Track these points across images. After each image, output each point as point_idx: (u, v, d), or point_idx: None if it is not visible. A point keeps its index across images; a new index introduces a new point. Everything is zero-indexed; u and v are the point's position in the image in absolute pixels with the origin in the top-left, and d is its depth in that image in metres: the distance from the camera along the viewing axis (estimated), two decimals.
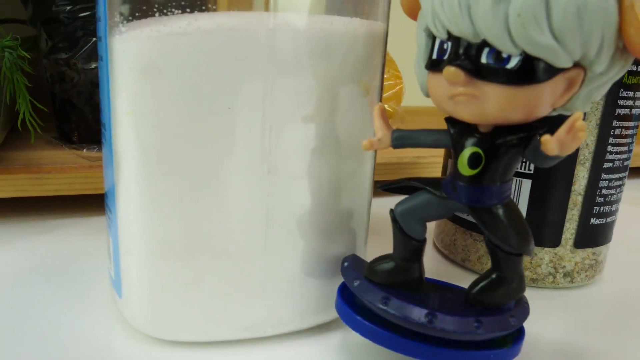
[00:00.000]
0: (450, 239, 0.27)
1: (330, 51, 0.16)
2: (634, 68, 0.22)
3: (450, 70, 0.13)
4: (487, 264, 0.25)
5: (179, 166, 0.16)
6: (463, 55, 0.13)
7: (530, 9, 0.12)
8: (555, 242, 0.24)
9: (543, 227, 0.23)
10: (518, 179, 0.23)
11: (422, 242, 0.17)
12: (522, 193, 0.23)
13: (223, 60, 0.15)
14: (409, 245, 0.17)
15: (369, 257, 0.25)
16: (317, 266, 0.18)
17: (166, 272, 0.16)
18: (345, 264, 0.18)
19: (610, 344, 0.20)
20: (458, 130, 0.15)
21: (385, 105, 0.46)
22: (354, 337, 0.19)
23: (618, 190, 0.24)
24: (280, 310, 0.18)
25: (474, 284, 0.17)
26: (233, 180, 0.16)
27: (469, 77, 0.13)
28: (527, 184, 0.23)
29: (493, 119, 0.14)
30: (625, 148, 0.23)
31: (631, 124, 0.23)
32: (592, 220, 0.23)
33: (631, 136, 0.23)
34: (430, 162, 0.37)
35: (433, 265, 0.26)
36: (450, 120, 0.16)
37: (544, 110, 0.14)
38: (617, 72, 0.14)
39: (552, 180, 0.23)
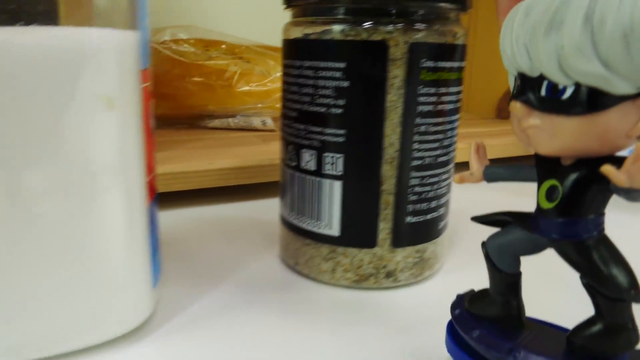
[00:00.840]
0: (285, 243, 0.26)
1: (49, 65, 0.15)
2: (431, 65, 0.22)
3: (514, 105, 0.14)
4: (315, 267, 0.24)
5: None
6: (527, 90, 0.14)
7: (573, 40, 0.12)
8: (371, 242, 0.23)
9: (358, 228, 0.23)
10: (329, 180, 0.23)
11: (516, 276, 0.17)
12: (334, 194, 0.23)
13: None
14: (502, 279, 0.17)
15: (165, 275, 0.23)
16: (74, 289, 0.18)
17: None
18: (459, 296, 0.18)
19: (425, 343, 0.20)
20: (541, 164, 0.15)
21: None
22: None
23: (436, 187, 0.24)
24: (40, 333, 0.17)
25: (577, 329, 0.15)
26: None
27: (530, 110, 0.14)
28: (337, 185, 0.23)
29: (567, 151, 0.14)
30: (437, 144, 0.23)
31: (439, 119, 0.23)
32: (408, 219, 0.23)
33: (443, 132, 0.23)
34: None
35: (271, 272, 0.26)
36: (536, 154, 0.15)
37: (618, 140, 0.13)
38: None
39: (361, 181, 0.23)
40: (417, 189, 0.23)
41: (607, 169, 0.13)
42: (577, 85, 0.13)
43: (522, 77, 0.14)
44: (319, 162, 0.23)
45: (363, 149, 0.22)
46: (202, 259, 0.27)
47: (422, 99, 0.22)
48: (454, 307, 0.18)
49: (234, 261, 0.27)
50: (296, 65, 0.23)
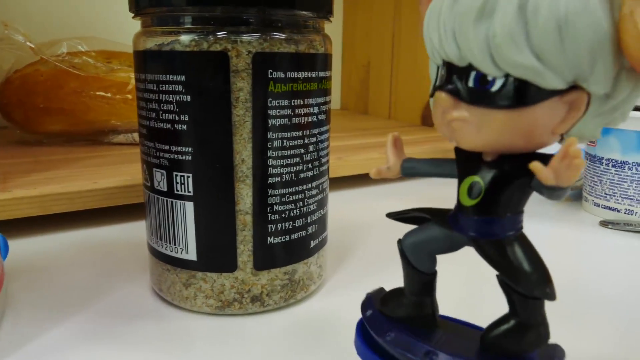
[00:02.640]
0: (151, 269, 0.24)
1: None
2: (281, 75, 0.20)
3: (439, 95, 0.13)
4: (177, 294, 0.23)
5: None
6: (453, 80, 0.13)
7: (506, 29, 0.12)
8: (231, 266, 0.22)
9: (215, 252, 0.22)
10: (180, 202, 0.21)
11: (432, 275, 0.16)
12: (187, 217, 0.21)
13: None
14: (417, 278, 0.16)
15: (12, 309, 0.21)
16: None
17: None
18: (368, 296, 0.18)
19: None
20: (462, 159, 0.15)
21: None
22: None
23: (301, 204, 0.22)
24: None
25: (491, 327, 0.15)
26: None
27: (457, 101, 0.13)
28: (189, 206, 0.21)
29: (491, 146, 0.13)
30: (297, 160, 0.22)
31: (297, 133, 0.21)
32: (271, 240, 0.22)
33: (303, 146, 0.22)
34: None
35: (137, 300, 0.24)
36: (457, 148, 0.15)
37: (544, 136, 0.13)
38: (630, 94, 0.13)
39: (213, 201, 0.21)
40: (278, 207, 0.22)
41: (536, 166, 0.12)
42: (507, 77, 0.12)
43: (449, 66, 0.13)
44: (170, 182, 0.21)
45: (212, 167, 0.21)
46: (63, 287, 0.25)
47: (273, 112, 0.21)
48: (364, 307, 0.17)
49: (100, 289, 0.25)
50: (142, 78, 0.21)
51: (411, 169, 0.16)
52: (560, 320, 0.22)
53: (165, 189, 0.21)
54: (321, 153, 0.23)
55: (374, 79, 0.67)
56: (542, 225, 0.35)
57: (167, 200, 0.22)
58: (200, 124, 0.20)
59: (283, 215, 0.22)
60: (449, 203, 0.16)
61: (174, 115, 0.20)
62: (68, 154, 0.40)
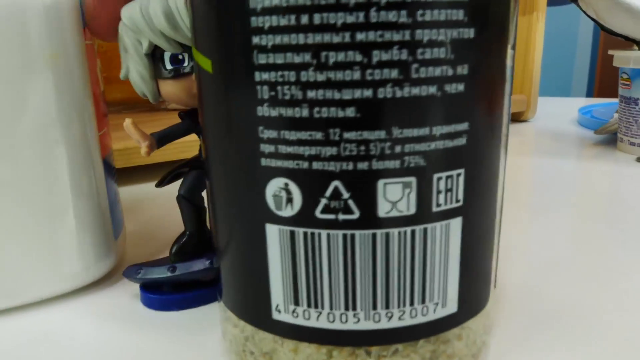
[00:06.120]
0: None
1: None
2: None
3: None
4: None
5: None
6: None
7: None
8: (484, 299, 0.14)
9: (477, 287, 0.13)
10: (440, 224, 0.12)
11: (205, 208, 0.20)
12: (450, 246, 0.12)
13: None
14: (197, 213, 0.20)
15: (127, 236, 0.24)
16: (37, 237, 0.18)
17: None
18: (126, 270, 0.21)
19: None
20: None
21: None
22: None
23: None
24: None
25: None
26: None
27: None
28: (455, 226, 0.12)
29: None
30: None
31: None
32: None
33: None
34: None
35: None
36: (185, 112, 0.19)
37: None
38: None
39: (488, 207, 0.13)
40: None
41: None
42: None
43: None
44: (423, 195, 0.12)
45: (493, 152, 0.12)
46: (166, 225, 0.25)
47: None
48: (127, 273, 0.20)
49: None
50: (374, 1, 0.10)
51: (163, 139, 0.19)
52: (602, 242, 0.23)
53: (413, 211, 0.12)
54: None
55: None
56: (580, 163, 0.38)
57: (412, 231, 0.12)
58: (489, 79, 0.12)
59: None
60: None
61: (443, 68, 0.11)
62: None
